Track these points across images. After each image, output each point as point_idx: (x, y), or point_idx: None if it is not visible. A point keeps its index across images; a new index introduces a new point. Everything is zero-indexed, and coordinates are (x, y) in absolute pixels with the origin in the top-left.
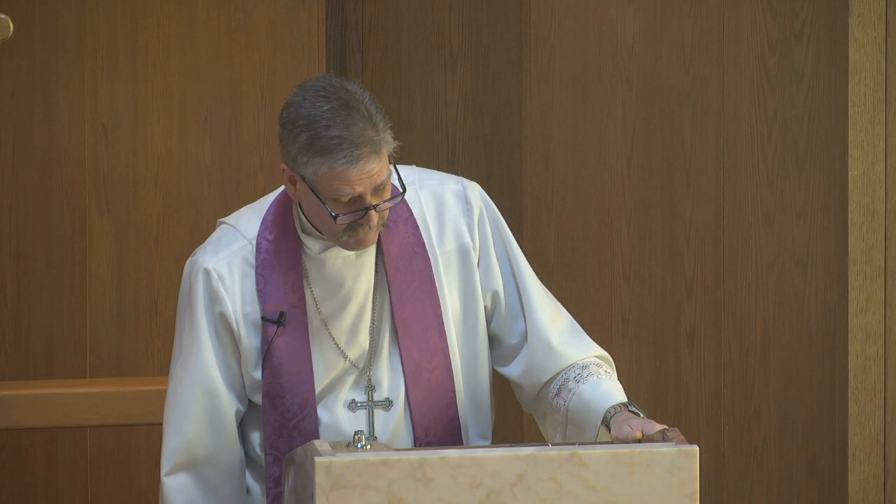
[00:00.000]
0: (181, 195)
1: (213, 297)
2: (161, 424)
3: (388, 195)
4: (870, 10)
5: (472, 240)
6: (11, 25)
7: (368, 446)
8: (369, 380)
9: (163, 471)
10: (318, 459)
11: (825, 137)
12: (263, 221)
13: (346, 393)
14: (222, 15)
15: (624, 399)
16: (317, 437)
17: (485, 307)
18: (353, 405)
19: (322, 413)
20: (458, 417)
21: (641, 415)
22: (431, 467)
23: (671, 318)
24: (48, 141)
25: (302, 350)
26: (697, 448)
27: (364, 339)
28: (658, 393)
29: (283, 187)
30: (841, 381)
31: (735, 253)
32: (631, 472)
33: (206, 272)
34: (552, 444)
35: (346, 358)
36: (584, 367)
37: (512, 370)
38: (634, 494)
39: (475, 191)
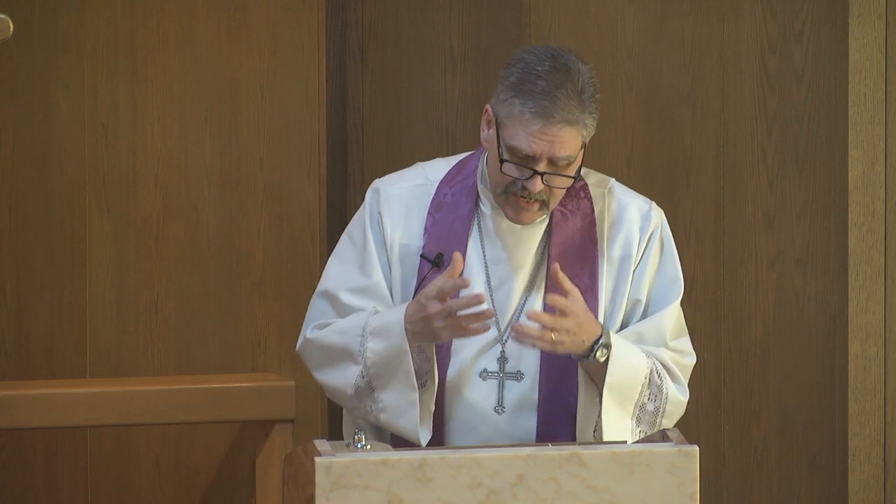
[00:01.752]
0: (181, 195)
1: (377, 213)
2: (160, 425)
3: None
4: (870, 10)
5: (638, 253)
6: (11, 25)
7: (368, 446)
8: (503, 351)
9: (301, 338)
10: (318, 459)
11: (825, 137)
12: (450, 170)
13: (480, 358)
14: (222, 14)
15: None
16: (441, 387)
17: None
18: (484, 374)
19: (452, 369)
20: None
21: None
22: (431, 467)
23: None
24: (48, 141)
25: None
26: (697, 448)
27: (511, 308)
28: None
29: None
30: (841, 381)
31: (735, 253)
32: (631, 472)
33: (376, 191)
34: (552, 445)
35: (491, 317)
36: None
37: None
38: (634, 494)
39: (659, 214)
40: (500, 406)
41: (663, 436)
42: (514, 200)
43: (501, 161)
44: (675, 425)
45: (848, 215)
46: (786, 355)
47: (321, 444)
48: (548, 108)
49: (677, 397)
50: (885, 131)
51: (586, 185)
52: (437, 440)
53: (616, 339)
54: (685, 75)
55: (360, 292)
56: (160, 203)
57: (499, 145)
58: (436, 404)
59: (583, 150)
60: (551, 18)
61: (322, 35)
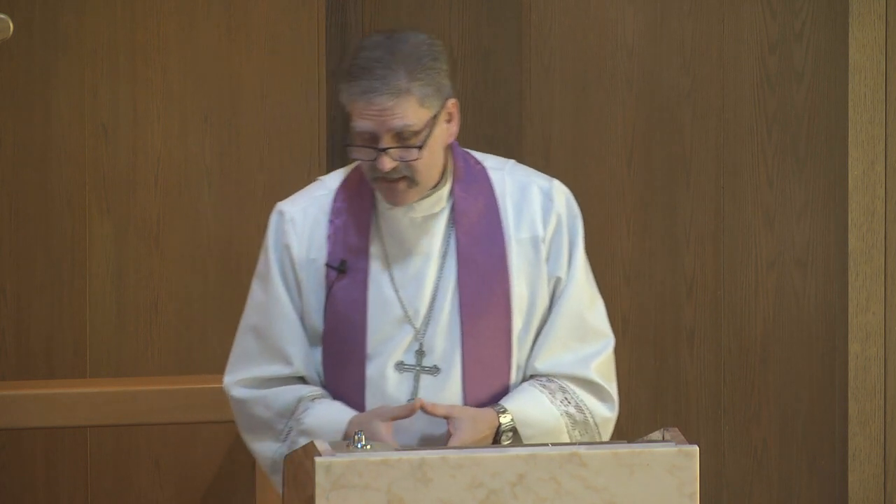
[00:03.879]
0: (181, 195)
1: (282, 238)
2: (160, 425)
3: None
4: (870, 10)
5: (545, 233)
6: (11, 25)
7: (368, 446)
8: (421, 344)
9: (227, 383)
10: (318, 459)
11: (825, 137)
12: (347, 175)
13: (398, 354)
14: (222, 14)
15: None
16: (362, 390)
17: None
18: (400, 366)
19: (370, 369)
20: None
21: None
22: (431, 467)
23: (671, 318)
24: (48, 141)
25: (359, 300)
26: (697, 448)
27: (424, 302)
28: (658, 393)
29: None
30: (841, 381)
31: (735, 253)
32: (631, 472)
33: (280, 213)
34: (552, 444)
35: (404, 317)
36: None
37: None
38: (634, 494)
39: (561, 192)
40: (413, 400)
41: (663, 436)
42: (381, 184)
43: (347, 147)
44: (675, 426)
45: (848, 215)
46: (786, 355)
47: (321, 444)
48: (369, 85)
49: (605, 416)
50: (885, 131)
51: (485, 168)
52: None
53: (518, 417)
54: (685, 75)
55: (276, 352)
56: (160, 203)
57: (350, 133)
58: (356, 402)
59: (436, 119)
60: (551, 18)
61: (322, 35)
